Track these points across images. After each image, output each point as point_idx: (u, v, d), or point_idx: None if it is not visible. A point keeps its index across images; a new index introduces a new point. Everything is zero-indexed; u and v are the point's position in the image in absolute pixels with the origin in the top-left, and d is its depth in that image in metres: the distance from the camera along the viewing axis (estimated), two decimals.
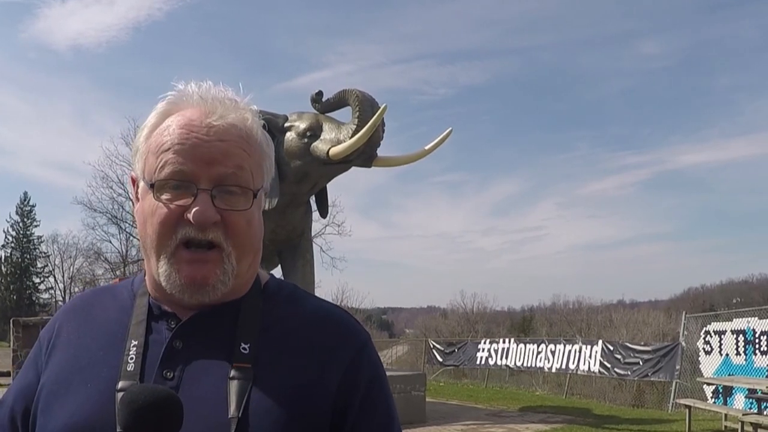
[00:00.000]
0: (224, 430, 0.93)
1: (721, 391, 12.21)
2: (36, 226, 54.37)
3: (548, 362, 16.52)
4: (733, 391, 11.89)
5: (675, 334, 16.21)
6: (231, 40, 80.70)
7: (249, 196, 1.03)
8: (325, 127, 9.64)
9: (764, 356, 11.70)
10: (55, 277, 53.14)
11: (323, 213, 11.34)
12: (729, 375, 11.95)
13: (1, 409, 1.09)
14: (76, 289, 47.71)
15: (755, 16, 77.12)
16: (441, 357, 20.09)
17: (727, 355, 12.47)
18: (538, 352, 16.90)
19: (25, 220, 54.23)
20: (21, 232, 54.05)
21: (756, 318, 12.18)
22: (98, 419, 0.95)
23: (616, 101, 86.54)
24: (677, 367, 13.11)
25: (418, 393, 11.25)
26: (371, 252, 78.27)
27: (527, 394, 16.74)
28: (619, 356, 14.62)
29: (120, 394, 0.95)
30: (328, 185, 10.83)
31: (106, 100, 71.47)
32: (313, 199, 10.99)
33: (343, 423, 1.02)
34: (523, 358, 17.35)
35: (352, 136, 9.12)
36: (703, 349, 13.01)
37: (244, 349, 1.01)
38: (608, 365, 14.80)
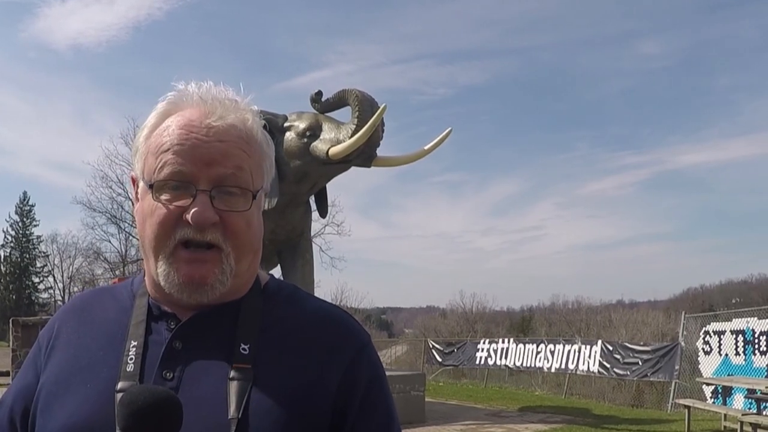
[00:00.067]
0: (224, 431, 0.93)
1: (720, 391, 12.21)
2: (35, 226, 54.48)
3: (547, 362, 16.52)
4: (733, 392, 11.89)
5: (674, 334, 16.20)
6: (231, 40, 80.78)
7: (248, 196, 1.03)
8: (325, 126, 9.64)
9: (763, 356, 11.71)
10: (54, 277, 53.23)
11: (323, 213, 11.35)
12: (728, 375, 11.95)
13: (0, 410, 1.09)
14: (76, 289, 47.73)
15: (755, 16, 77.21)
16: (440, 357, 20.10)
17: (726, 355, 12.47)
18: (538, 352, 16.91)
19: (25, 219, 54.26)
20: (20, 231, 54.07)
21: (755, 318, 12.18)
22: (97, 420, 0.95)
23: (616, 101, 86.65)
24: (676, 367, 13.11)
25: (417, 393, 11.25)
26: (370, 252, 78.34)
27: (526, 394, 16.74)
28: (618, 356, 14.62)
29: (119, 395, 0.95)
30: (327, 185, 10.83)
31: (106, 99, 71.62)
32: (313, 198, 10.99)
33: (343, 423, 1.02)
34: (523, 358, 17.35)
35: (352, 136, 9.12)
36: (703, 349, 13.01)
37: (244, 349, 1.01)
38: (607, 365, 14.81)
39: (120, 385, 0.98)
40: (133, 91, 65.62)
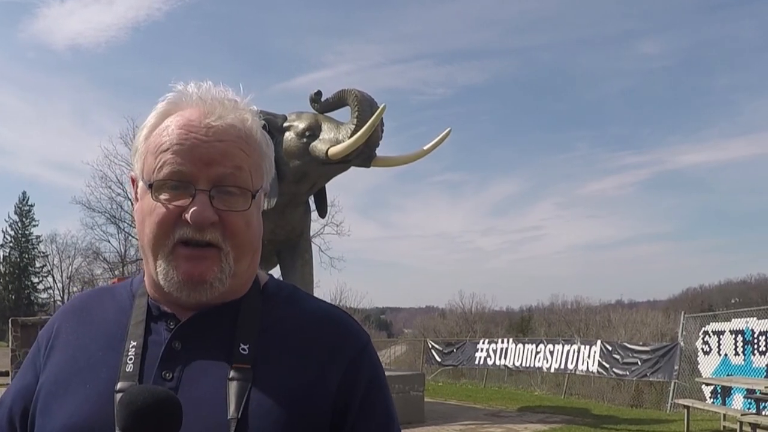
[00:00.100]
0: (223, 431, 0.93)
1: (719, 391, 12.21)
2: (35, 226, 54.39)
3: (547, 362, 16.53)
4: (732, 392, 11.89)
5: (673, 335, 16.21)
6: (230, 40, 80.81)
7: (248, 196, 1.03)
8: (324, 127, 9.64)
9: (762, 356, 11.71)
10: (53, 277, 53.16)
11: (322, 213, 11.35)
12: (727, 375, 11.95)
13: None
14: (75, 289, 47.69)
15: (755, 16, 77.32)
16: (439, 357, 20.10)
17: (725, 355, 12.47)
18: (537, 352, 16.91)
19: (24, 219, 54.20)
20: (20, 231, 54.02)
21: (754, 318, 12.19)
22: (97, 420, 0.95)
23: (616, 101, 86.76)
24: (676, 367, 13.12)
25: (416, 393, 11.25)
26: (370, 252, 78.31)
27: (526, 394, 16.74)
28: (617, 356, 14.62)
29: (119, 395, 0.95)
30: (327, 185, 10.83)
31: (105, 99, 71.56)
32: (312, 199, 10.99)
33: (344, 423, 1.02)
34: (522, 358, 17.36)
35: (351, 136, 9.12)
36: (702, 349, 13.02)
37: (244, 349, 1.00)
38: (607, 365, 14.81)
39: (119, 385, 0.97)
40: (132, 92, 65.78)
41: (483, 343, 19.15)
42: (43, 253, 53.48)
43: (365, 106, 9.21)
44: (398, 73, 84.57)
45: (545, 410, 13.04)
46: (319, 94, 9.78)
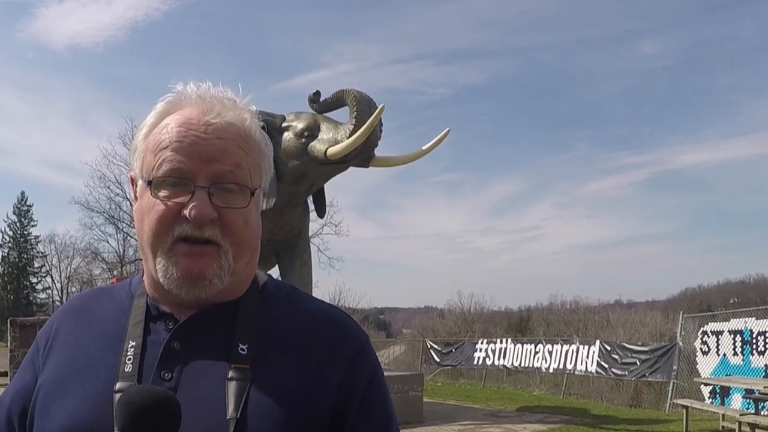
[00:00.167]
0: (222, 431, 0.93)
1: (718, 391, 12.22)
2: (33, 226, 54.34)
3: (545, 362, 16.53)
4: (731, 392, 11.89)
5: (672, 335, 16.23)
6: (229, 40, 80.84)
7: (247, 194, 1.03)
8: (323, 127, 9.64)
9: (761, 356, 11.71)
10: (52, 277, 53.06)
11: (321, 213, 11.35)
12: (726, 375, 11.96)
13: None
14: (74, 289, 47.63)
15: (755, 16, 77.45)
16: (438, 357, 20.10)
17: (724, 355, 12.48)
18: (536, 352, 16.92)
19: (23, 219, 54.14)
20: (18, 231, 53.95)
21: (753, 318, 12.19)
22: (96, 420, 0.95)
23: (616, 101, 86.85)
24: (674, 367, 13.13)
25: (415, 393, 11.24)
26: (369, 252, 78.27)
27: (524, 394, 16.75)
28: (616, 356, 14.63)
29: (118, 395, 0.95)
30: (325, 185, 10.83)
31: (104, 99, 71.54)
32: (311, 199, 10.99)
33: (344, 423, 1.01)
34: (521, 358, 17.36)
35: (350, 136, 9.12)
36: (701, 349, 13.02)
37: (243, 349, 1.00)
38: (605, 365, 14.82)
39: (118, 385, 0.97)
40: (130, 92, 65.82)
41: (482, 343, 19.16)
42: (42, 253, 53.47)
43: (364, 106, 9.21)
44: (398, 73, 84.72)
45: (544, 410, 13.04)
46: (317, 94, 9.77)
